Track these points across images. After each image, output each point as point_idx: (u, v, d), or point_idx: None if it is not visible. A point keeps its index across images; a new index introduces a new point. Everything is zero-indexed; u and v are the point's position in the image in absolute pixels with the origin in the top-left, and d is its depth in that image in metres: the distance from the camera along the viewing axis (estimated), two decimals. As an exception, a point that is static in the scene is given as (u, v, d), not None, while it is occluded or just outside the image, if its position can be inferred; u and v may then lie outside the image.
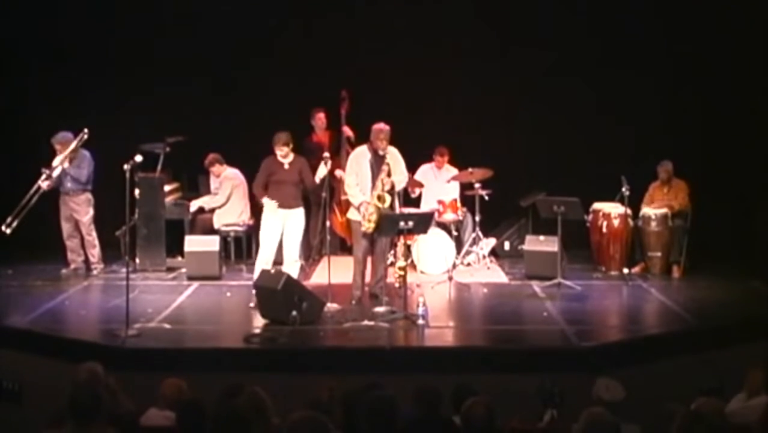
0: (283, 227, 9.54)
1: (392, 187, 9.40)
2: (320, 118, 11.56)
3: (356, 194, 9.39)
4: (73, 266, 10.87)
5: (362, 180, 9.38)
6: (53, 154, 10.66)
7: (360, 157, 9.46)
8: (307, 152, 11.43)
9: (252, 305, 9.31)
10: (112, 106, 11.67)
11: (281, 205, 9.52)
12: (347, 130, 11.26)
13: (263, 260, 9.51)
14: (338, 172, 10.84)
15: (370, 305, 9.39)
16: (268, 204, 9.54)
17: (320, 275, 10.44)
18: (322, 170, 9.63)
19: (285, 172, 9.53)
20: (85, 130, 10.57)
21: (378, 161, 9.34)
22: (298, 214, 9.63)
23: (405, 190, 10.25)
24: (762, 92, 10.97)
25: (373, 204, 9.26)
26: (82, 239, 10.89)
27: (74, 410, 4.92)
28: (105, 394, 5.24)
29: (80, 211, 10.75)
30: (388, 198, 9.31)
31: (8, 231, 10.41)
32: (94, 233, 10.86)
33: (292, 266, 9.49)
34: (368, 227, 9.30)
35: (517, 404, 6.16)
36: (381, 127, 9.33)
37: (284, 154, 9.52)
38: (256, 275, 9.33)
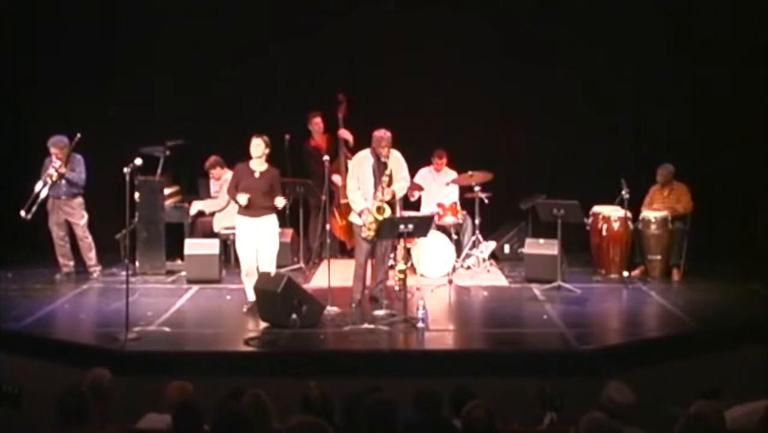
0: (256, 236, 9.16)
1: (393, 196, 9.39)
2: (317, 123, 11.56)
3: (358, 201, 9.37)
4: (65, 270, 10.83)
5: (364, 184, 9.36)
6: (48, 155, 10.62)
7: (363, 161, 9.45)
8: (306, 156, 11.45)
9: (245, 310, 9.27)
10: (112, 110, 11.68)
11: (247, 215, 9.15)
12: (344, 133, 11.25)
13: (245, 272, 9.21)
14: (336, 178, 10.85)
15: (370, 308, 9.39)
16: (237, 215, 9.23)
17: (320, 278, 10.44)
18: (280, 202, 9.24)
19: (255, 180, 9.13)
20: (78, 135, 10.54)
21: (380, 166, 9.34)
22: (268, 222, 9.20)
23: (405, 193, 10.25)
24: (761, 95, 11.00)
25: (372, 215, 9.25)
26: (73, 244, 10.86)
27: (60, 412, 4.96)
28: (91, 397, 5.25)
29: (75, 214, 10.71)
30: (387, 210, 9.29)
31: (28, 216, 10.35)
32: (90, 236, 10.85)
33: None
34: (368, 234, 9.30)
35: (517, 408, 6.16)
36: (382, 134, 9.30)
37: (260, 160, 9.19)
38: (248, 289, 9.21)
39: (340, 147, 11.26)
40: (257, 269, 9.18)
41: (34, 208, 10.38)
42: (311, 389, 5.54)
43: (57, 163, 10.53)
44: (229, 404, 5.15)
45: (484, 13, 11.77)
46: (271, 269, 9.18)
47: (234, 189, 9.19)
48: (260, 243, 9.16)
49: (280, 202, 9.20)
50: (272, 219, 9.24)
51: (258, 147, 9.13)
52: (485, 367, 7.93)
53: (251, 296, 9.23)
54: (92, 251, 10.87)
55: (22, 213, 10.33)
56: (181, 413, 5.02)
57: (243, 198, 9.05)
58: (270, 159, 9.33)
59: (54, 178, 10.52)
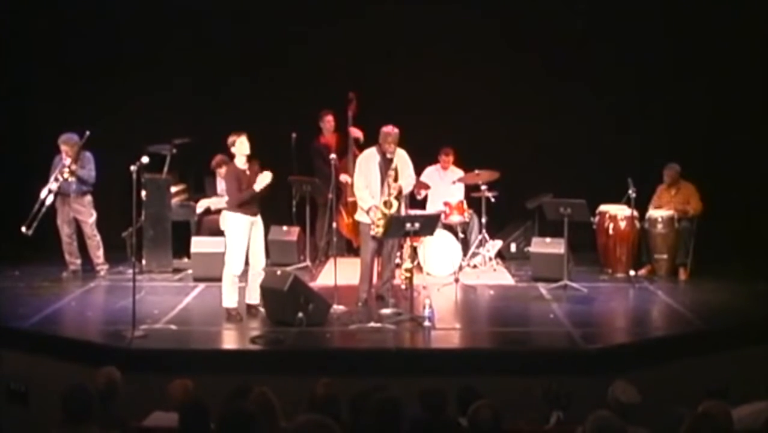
0: (249, 236, 8.99)
1: (399, 192, 9.39)
2: (328, 121, 11.59)
3: (365, 198, 9.37)
4: (72, 268, 10.84)
5: (371, 182, 9.37)
6: (58, 153, 10.64)
7: (369, 159, 9.46)
8: (314, 154, 11.46)
9: (233, 316, 9.02)
10: (119, 108, 11.71)
11: (249, 213, 8.94)
12: (355, 131, 11.29)
13: (238, 274, 8.99)
14: (343, 177, 10.86)
15: (376, 306, 9.39)
16: (235, 214, 8.96)
17: (326, 277, 10.44)
18: (266, 177, 8.95)
19: (248, 178, 8.95)
20: (87, 132, 10.55)
21: (387, 163, 9.35)
22: (260, 220, 9.07)
23: (411, 192, 10.25)
24: (767, 93, 10.99)
25: (380, 210, 9.26)
26: (80, 242, 10.87)
27: (65, 411, 4.99)
28: (97, 396, 5.27)
29: (84, 212, 10.73)
30: (395, 204, 9.30)
31: (29, 232, 10.36)
32: (98, 235, 10.86)
33: (259, 276, 9.07)
34: (377, 231, 9.30)
35: (523, 406, 6.16)
36: (389, 130, 9.32)
37: (246, 160, 9.01)
38: (228, 294, 8.98)
39: (349, 145, 11.28)
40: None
41: (35, 224, 10.36)
42: (319, 387, 5.55)
43: (68, 161, 10.54)
44: (236, 402, 5.15)
45: (491, 13, 11.76)
46: (263, 267, 9.11)
47: (238, 191, 8.94)
48: (255, 241, 9.04)
49: (267, 177, 8.91)
50: (261, 219, 9.12)
51: (246, 144, 8.95)
52: (492, 366, 7.92)
53: (233, 302, 9.03)
54: (100, 250, 10.89)
55: (23, 229, 10.32)
56: (188, 412, 5.02)
57: (260, 184, 8.82)
58: (259, 157, 9.15)
59: (65, 176, 10.53)
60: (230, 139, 8.98)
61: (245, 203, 8.94)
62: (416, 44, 11.88)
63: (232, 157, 9.06)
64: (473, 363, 8.04)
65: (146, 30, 11.79)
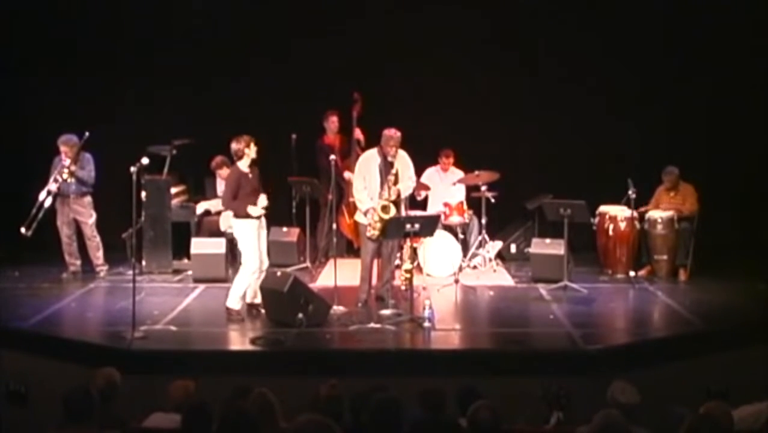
0: (258, 235, 9.05)
1: (398, 195, 9.40)
2: (333, 122, 11.59)
3: (364, 199, 9.38)
4: (72, 269, 10.83)
5: (371, 184, 9.38)
6: (58, 154, 10.65)
7: (369, 160, 9.46)
8: (318, 153, 11.46)
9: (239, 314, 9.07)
10: (119, 108, 11.70)
11: (258, 216, 8.99)
12: (358, 133, 11.29)
13: (253, 273, 9.01)
14: (347, 175, 10.86)
15: (376, 307, 9.40)
16: (244, 220, 8.96)
17: (326, 278, 10.44)
18: (262, 201, 8.99)
19: (251, 181, 8.99)
20: (86, 133, 10.55)
21: (387, 166, 9.35)
22: (265, 223, 9.16)
23: (411, 193, 10.25)
24: (766, 95, 10.99)
25: (378, 214, 9.26)
26: (81, 243, 10.87)
27: (66, 411, 4.99)
28: (98, 397, 5.27)
29: (84, 213, 10.73)
30: (392, 209, 9.30)
31: (29, 233, 10.36)
32: (98, 236, 10.86)
33: (260, 276, 9.08)
34: (373, 233, 9.32)
35: (523, 407, 6.15)
36: (392, 134, 9.31)
37: (250, 162, 9.03)
38: (237, 295, 9.00)
39: (353, 146, 11.30)
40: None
41: (34, 225, 10.36)
42: (324, 388, 5.54)
43: (67, 162, 10.54)
44: (235, 402, 5.15)
45: (492, 14, 11.77)
46: (266, 265, 9.16)
47: (232, 199, 8.94)
48: (261, 241, 9.10)
49: (263, 202, 9.00)
50: (264, 219, 9.18)
51: (254, 149, 8.97)
52: (491, 366, 7.93)
53: (238, 304, 9.05)
54: (100, 251, 10.89)
55: (23, 230, 10.32)
56: (192, 413, 5.01)
57: (257, 210, 8.91)
58: (259, 158, 9.14)
59: (65, 177, 10.53)
60: (238, 144, 8.94)
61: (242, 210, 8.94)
62: (416, 45, 11.87)
63: (238, 157, 9.02)
64: (473, 364, 8.05)
65: (146, 30, 11.78)
